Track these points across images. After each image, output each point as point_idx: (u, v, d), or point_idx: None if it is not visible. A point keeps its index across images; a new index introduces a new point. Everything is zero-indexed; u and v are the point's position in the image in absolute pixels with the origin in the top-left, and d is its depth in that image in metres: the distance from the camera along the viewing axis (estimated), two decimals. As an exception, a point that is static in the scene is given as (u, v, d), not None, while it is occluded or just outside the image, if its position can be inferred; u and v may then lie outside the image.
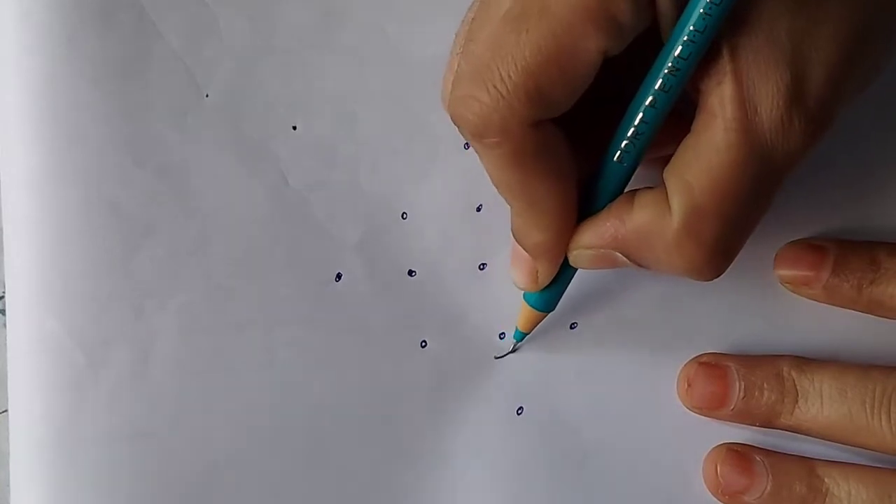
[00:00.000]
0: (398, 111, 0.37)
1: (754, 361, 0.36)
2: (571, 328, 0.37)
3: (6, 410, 0.36)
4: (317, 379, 0.36)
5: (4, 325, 0.37)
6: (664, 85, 0.28)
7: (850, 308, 0.36)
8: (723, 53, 0.28)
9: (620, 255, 0.31)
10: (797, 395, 0.35)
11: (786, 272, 0.37)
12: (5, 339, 0.36)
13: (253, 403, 0.36)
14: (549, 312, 0.35)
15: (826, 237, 0.37)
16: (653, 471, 0.37)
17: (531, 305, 0.35)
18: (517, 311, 0.36)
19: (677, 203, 0.29)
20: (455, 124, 0.30)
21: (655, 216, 0.29)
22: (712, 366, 0.36)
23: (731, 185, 0.28)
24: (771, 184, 0.29)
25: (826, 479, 0.35)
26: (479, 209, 0.37)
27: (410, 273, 0.37)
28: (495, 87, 0.28)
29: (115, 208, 0.36)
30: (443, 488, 0.36)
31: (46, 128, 0.35)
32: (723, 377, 0.36)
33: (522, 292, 0.35)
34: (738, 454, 0.36)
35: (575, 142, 0.31)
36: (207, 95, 0.36)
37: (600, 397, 0.37)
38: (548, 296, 0.34)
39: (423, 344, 0.37)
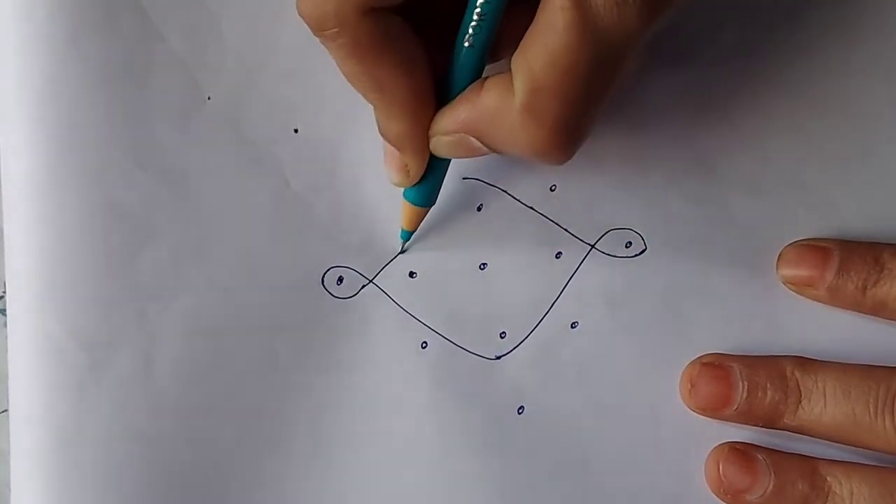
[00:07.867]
0: (399, 113, 0.37)
1: (757, 362, 0.36)
2: (572, 328, 0.37)
3: (6, 410, 0.36)
4: (318, 380, 0.36)
5: (5, 325, 0.37)
6: None
7: (853, 310, 0.36)
8: None
9: (474, 139, 0.32)
10: (800, 395, 0.35)
11: (789, 272, 0.36)
12: (5, 339, 0.36)
13: (254, 405, 0.36)
14: (429, 207, 0.35)
15: (829, 238, 0.37)
16: (654, 470, 0.36)
17: (410, 202, 0.35)
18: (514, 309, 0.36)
19: (519, 83, 0.30)
20: (304, 22, 0.30)
21: (501, 97, 0.30)
22: (715, 366, 0.36)
23: (569, 63, 0.29)
24: (610, 62, 0.29)
25: (828, 478, 0.35)
26: (479, 209, 0.37)
27: (411, 275, 0.37)
28: None
29: (116, 210, 0.36)
30: (443, 488, 0.36)
31: (48, 129, 0.35)
32: (726, 378, 0.36)
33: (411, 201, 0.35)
34: (741, 453, 0.36)
35: (431, 35, 0.31)
36: (209, 98, 0.37)
37: (600, 397, 0.37)
38: (425, 189, 0.35)
39: (424, 345, 0.37)
